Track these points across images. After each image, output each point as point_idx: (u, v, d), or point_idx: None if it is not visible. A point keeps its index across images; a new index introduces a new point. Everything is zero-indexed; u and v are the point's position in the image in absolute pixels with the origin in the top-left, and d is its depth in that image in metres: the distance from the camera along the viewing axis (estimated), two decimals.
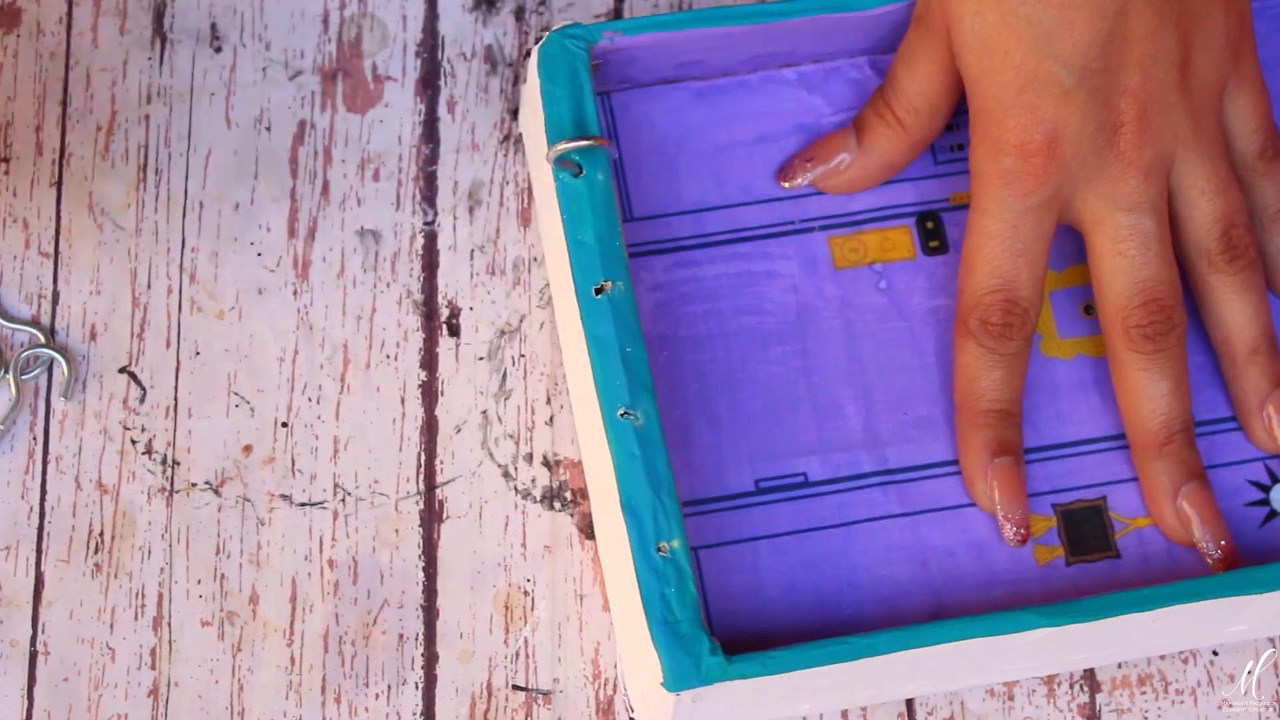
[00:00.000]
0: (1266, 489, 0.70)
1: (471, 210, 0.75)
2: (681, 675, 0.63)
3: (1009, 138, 0.67)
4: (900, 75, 0.71)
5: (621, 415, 0.66)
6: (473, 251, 0.75)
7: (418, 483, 0.72)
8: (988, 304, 0.68)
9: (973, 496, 0.69)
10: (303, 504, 0.72)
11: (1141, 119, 0.66)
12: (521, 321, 0.74)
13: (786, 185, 0.71)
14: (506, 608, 0.71)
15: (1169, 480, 0.68)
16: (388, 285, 0.74)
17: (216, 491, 0.72)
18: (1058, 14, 0.66)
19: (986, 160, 0.67)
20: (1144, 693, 0.70)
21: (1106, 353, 0.69)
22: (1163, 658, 0.71)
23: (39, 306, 0.74)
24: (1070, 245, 0.73)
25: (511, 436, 0.73)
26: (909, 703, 0.70)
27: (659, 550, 0.64)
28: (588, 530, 0.72)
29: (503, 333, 0.74)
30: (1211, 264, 0.68)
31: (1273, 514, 0.70)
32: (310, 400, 0.73)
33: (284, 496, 0.72)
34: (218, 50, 0.77)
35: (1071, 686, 0.70)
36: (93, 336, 0.74)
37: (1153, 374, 0.67)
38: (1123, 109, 0.66)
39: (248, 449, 0.72)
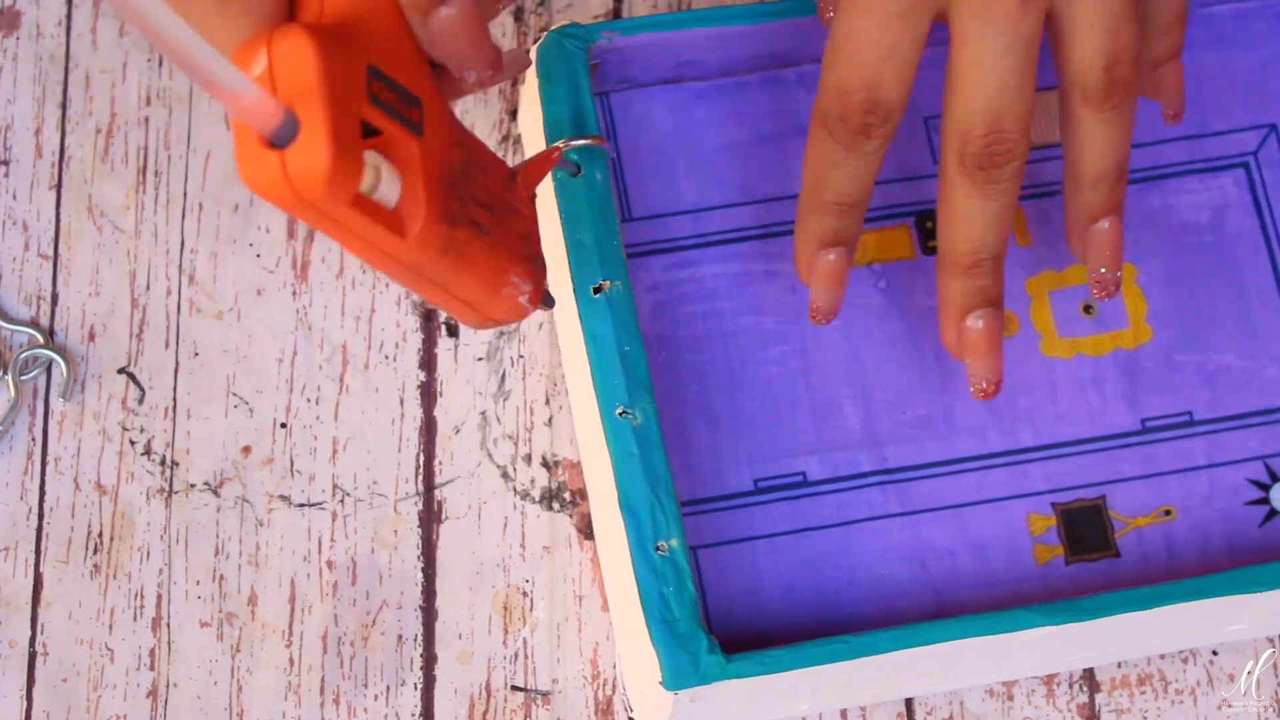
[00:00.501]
0: (1266, 488, 0.70)
1: None
2: (680, 674, 0.63)
3: None
4: None
5: (620, 414, 0.65)
6: None
7: (416, 483, 0.72)
8: (848, 103, 0.65)
9: (797, 269, 0.69)
10: (301, 505, 0.72)
11: None
12: (520, 322, 0.74)
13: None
14: (505, 608, 0.71)
15: (962, 300, 0.67)
16: (386, 286, 0.74)
17: (215, 492, 0.72)
18: None
19: None
20: (1144, 693, 0.70)
21: (939, 169, 0.67)
22: (1162, 657, 0.71)
23: (38, 308, 0.74)
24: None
25: (510, 437, 0.73)
26: (908, 703, 0.70)
27: (657, 549, 0.64)
28: (587, 531, 0.72)
29: (501, 333, 0.74)
30: (1085, 99, 0.66)
31: (1273, 513, 0.70)
32: (309, 401, 0.73)
33: (283, 497, 0.72)
34: None
35: (1071, 686, 0.70)
36: (92, 337, 0.74)
37: (976, 200, 0.65)
38: None
39: (246, 450, 0.72)
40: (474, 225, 0.58)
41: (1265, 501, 0.70)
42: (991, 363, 0.68)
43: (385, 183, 0.54)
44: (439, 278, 0.58)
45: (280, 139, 0.51)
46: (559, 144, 0.65)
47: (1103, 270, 0.69)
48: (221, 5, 0.53)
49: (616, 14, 0.78)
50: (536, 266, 0.62)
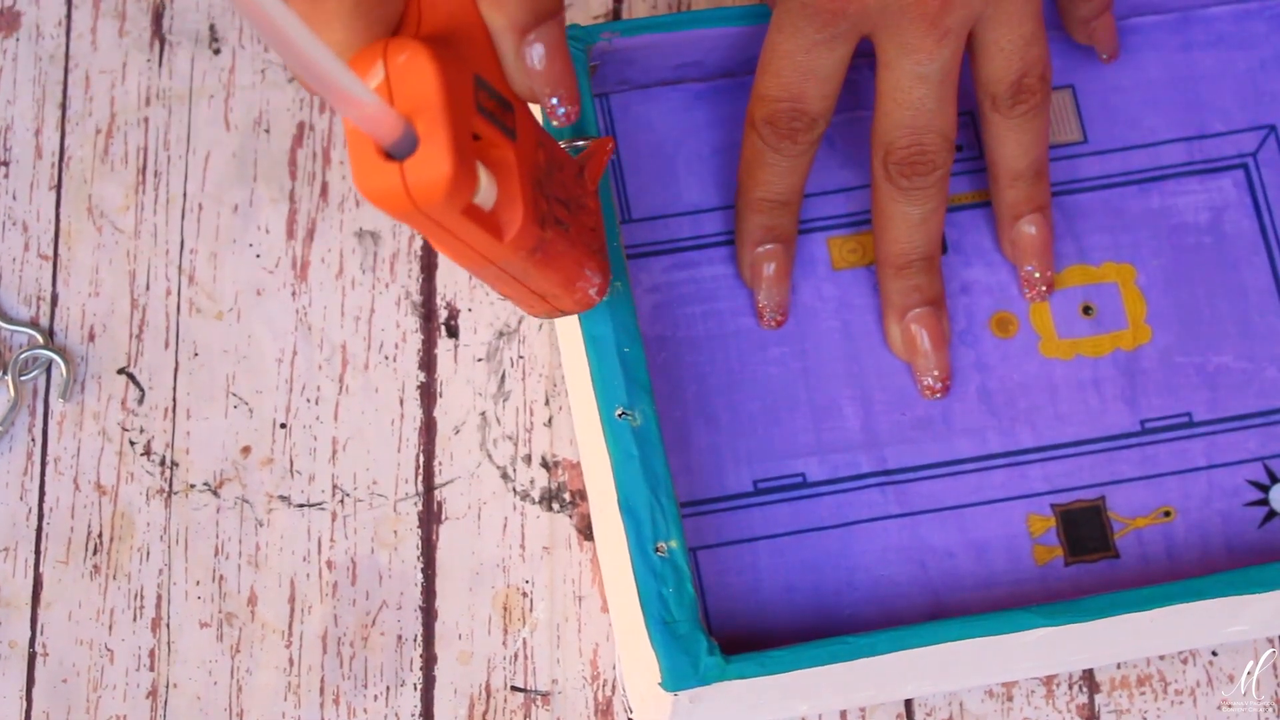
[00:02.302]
0: (1266, 489, 0.70)
1: None
2: (679, 675, 0.63)
3: None
4: None
5: (619, 416, 0.65)
6: None
7: (416, 484, 0.72)
8: (775, 110, 0.68)
9: (740, 273, 0.72)
10: (301, 505, 0.72)
11: None
12: (520, 323, 0.74)
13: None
14: (505, 609, 0.71)
15: (900, 299, 0.70)
16: (386, 286, 0.74)
17: (215, 493, 0.72)
18: None
19: None
20: (1143, 693, 0.70)
21: (871, 177, 0.70)
22: (1162, 658, 0.71)
23: (38, 308, 0.74)
24: (1068, 247, 0.73)
25: (510, 438, 0.73)
26: (908, 703, 0.70)
27: (657, 550, 0.64)
28: (586, 531, 0.72)
29: (501, 334, 0.74)
30: (995, 106, 0.69)
31: (1272, 514, 0.70)
32: (309, 401, 0.73)
33: (282, 498, 0.72)
34: (216, 52, 0.77)
35: (1070, 687, 0.70)
36: (91, 338, 0.74)
37: (902, 205, 0.69)
38: None
39: (246, 450, 0.72)
40: (557, 224, 0.59)
41: (1264, 503, 0.70)
42: (936, 360, 0.70)
43: (484, 188, 0.55)
44: (522, 274, 0.59)
45: (399, 151, 0.52)
46: (608, 138, 0.65)
47: (1029, 268, 0.72)
48: (352, 17, 0.54)
49: (616, 15, 0.78)
50: (604, 259, 0.64)
